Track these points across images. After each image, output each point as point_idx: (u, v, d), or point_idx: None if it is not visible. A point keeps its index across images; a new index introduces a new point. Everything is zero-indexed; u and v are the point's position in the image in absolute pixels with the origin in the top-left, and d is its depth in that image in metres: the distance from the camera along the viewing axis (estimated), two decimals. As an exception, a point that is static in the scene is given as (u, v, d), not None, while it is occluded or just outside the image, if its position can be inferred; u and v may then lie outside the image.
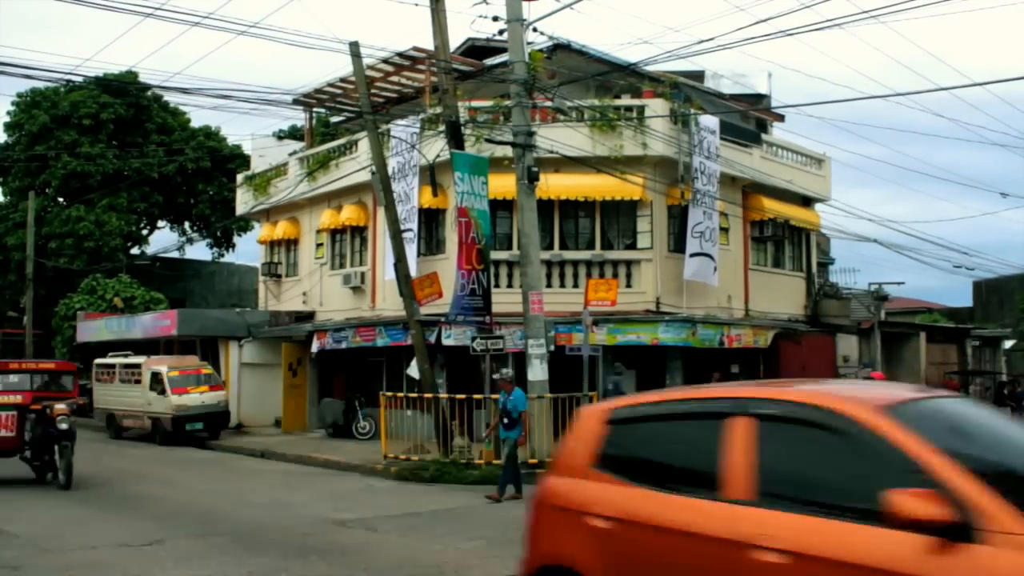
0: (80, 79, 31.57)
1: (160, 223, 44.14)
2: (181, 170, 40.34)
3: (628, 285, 22.27)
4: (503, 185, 19.45)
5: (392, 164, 22.19)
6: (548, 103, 20.63)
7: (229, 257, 45.94)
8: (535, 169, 17.31)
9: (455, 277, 18.06)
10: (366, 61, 20.19)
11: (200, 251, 58.03)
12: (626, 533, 5.28)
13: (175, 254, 41.65)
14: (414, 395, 18.56)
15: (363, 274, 25.71)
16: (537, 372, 17.21)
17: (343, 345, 24.36)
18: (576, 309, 19.70)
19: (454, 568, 9.23)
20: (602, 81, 23.20)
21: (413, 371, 18.87)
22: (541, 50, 21.47)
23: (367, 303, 25.54)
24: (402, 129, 22.66)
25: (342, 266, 26.80)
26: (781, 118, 29.77)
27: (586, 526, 5.50)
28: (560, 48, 23.11)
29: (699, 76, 28.02)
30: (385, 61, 23.92)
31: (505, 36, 17.97)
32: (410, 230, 21.90)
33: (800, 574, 4.44)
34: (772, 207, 25.37)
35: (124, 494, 14.72)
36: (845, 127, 73.76)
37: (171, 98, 36.78)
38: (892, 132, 54.96)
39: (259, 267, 31.57)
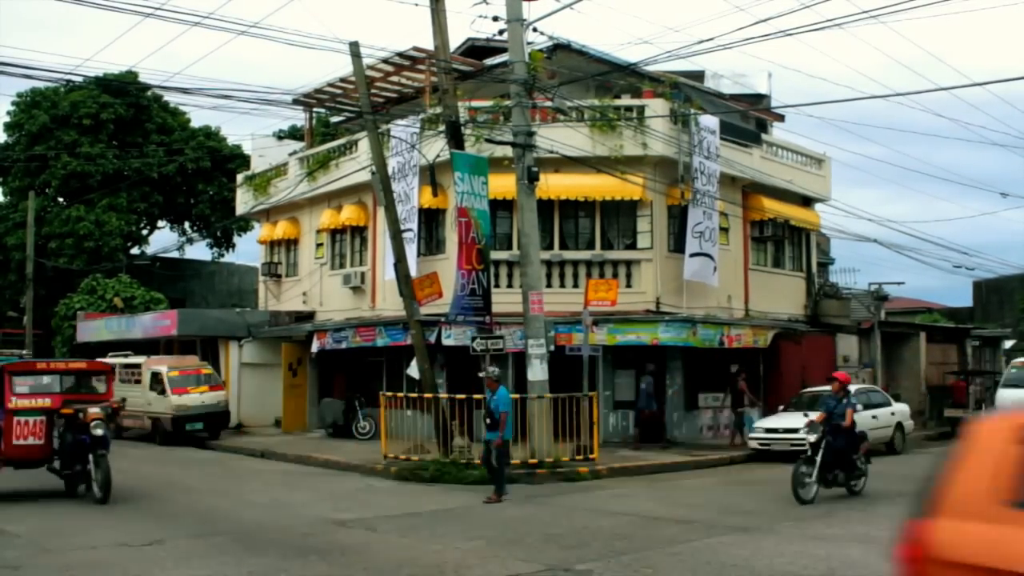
0: (80, 79, 31.56)
1: (160, 223, 44.15)
2: (181, 170, 40.34)
3: (628, 285, 22.27)
4: (503, 185, 19.45)
5: (392, 164, 22.19)
6: (548, 103, 20.64)
7: (229, 257, 45.99)
8: (535, 169, 17.32)
9: (455, 277, 18.06)
10: (366, 61, 20.19)
11: (200, 251, 58.05)
12: None
13: (175, 254, 41.66)
14: (414, 395, 18.56)
15: (363, 274, 25.71)
16: (537, 372, 17.21)
17: (343, 345, 24.36)
18: (576, 309, 19.70)
19: (454, 568, 9.23)
20: (602, 81, 23.21)
21: (413, 371, 18.87)
22: (541, 50, 21.47)
23: (367, 303, 25.54)
24: (402, 129, 22.66)
25: (342, 266, 26.80)
26: (781, 118, 29.77)
27: None
28: (560, 48, 23.11)
29: (699, 76, 28.02)
30: (385, 61, 23.92)
31: (505, 36, 17.98)
32: (410, 230, 21.90)
33: None
34: (772, 207, 25.37)
35: (124, 494, 14.66)
36: (845, 127, 73.80)
37: (171, 98, 36.80)
38: (892, 132, 54.98)
39: (259, 267, 31.58)
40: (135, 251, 42.13)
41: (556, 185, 21.03)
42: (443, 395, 18.37)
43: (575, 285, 22.07)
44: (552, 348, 18.76)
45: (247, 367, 27.87)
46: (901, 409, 22.67)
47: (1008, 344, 35.23)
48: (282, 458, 20.54)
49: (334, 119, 33.33)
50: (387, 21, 66.54)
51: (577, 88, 21.75)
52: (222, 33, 72.39)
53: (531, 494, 14.83)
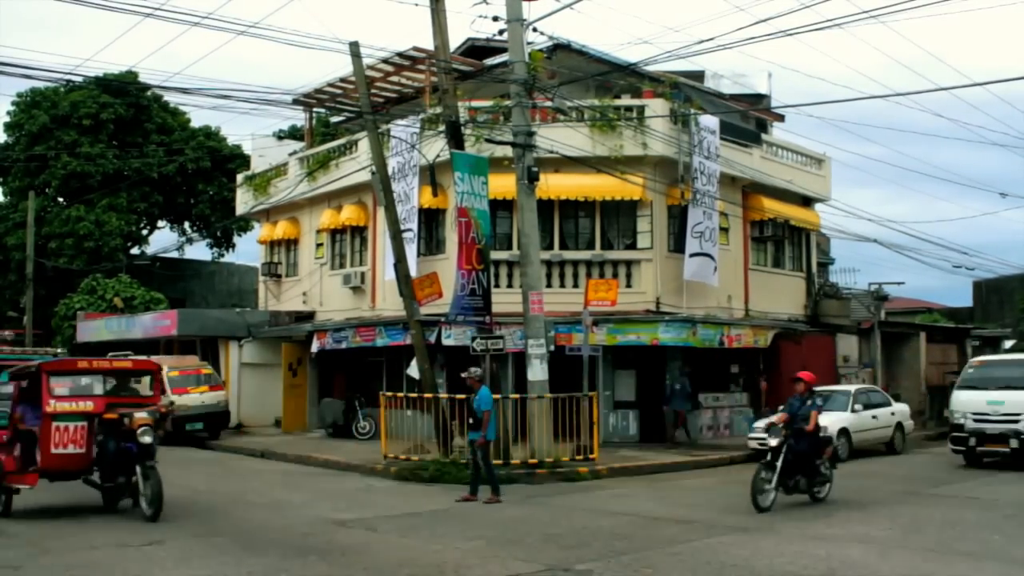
0: (80, 79, 31.50)
1: (160, 223, 44.14)
2: (181, 170, 40.34)
3: (628, 285, 22.28)
4: (503, 185, 19.46)
5: (392, 164, 22.20)
6: (548, 103, 20.64)
7: (229, 257, 45.98)
8: (535, 169, 17.32)
9: (455, 277, 18.06)
10: (366, 61, 20.19)
11: (200, 251, 58.02)
12: None
13: (175, 254, 41.65)
14: (414, 395, 18.56)
15: (363, 274, 25.71)
16: (537, 372, 17.21)
17: (343, 345, 24.37)
18: (576, 309, 19.71)
19: (454, 568, 9.23)
20: (602, 81, 23.21)
21: (413, 371, 18.87)
22: (541, 50, 21.48)
23: (367, 303, 25.55)
24: (402, 129, 22.66)
25: (342, 266, 26.81)
26: (781, 118, 29.77)
27: None
28: (560, 48, 23.11)
29: (699, 76, 28.03)
30: (385, 61, 23.93)
31: (505, 36, 17.98)
32: (410, 230, 21.91)
33: None
34: (772, 207, 25.38)
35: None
36: (845, 127, 73.80)
37: (171, 98, 36.78)
38: (892, 132, 54.94)
39: (259, 267, 31.58)
40: (135, 251, 42.12)
41: (556, 185, 21.04)
42: (443, 395, 18.37)
43: (575, 285, 22.07)
44: (552, 348, 18.76)
45: (247, 367, 27.87)
46: (901, 409, 22.67)
47: (1008, 344, 35.19)
48: (282, 458, 20.54)
49: (334, 119, 33.34)
50: (387, 21, 66.60)
51: (577, 88, 21.76)
52: (222, 33, 72.36)
53: (531, 494, 14.83)
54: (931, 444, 24.31)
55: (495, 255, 20.21)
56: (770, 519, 12.12)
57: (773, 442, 13.07)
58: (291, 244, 29.14)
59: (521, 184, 17.40)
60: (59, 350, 20.65)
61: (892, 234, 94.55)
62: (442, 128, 19.40)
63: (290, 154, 29.56)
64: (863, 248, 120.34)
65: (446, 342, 20.87)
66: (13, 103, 39.64)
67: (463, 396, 17.68)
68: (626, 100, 23.17)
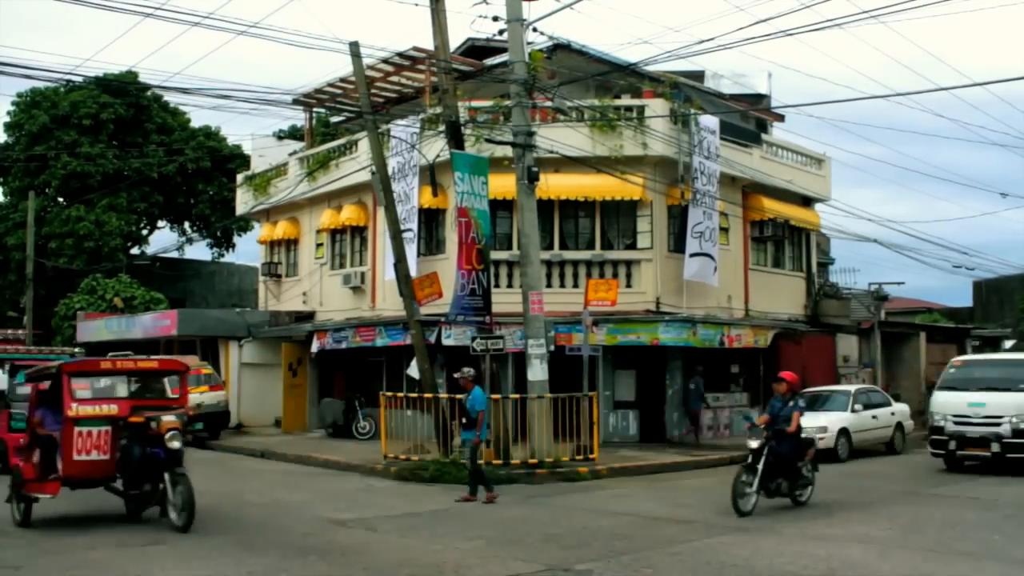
0: (80, 79, 31.51)
1: (160, 223, 44.16)
2: (181, 170, 40.35)
3: (628, 285, 22.28)
4: (503, 185, 19.46)
5: (392, 164, 22.20)
6: (548, 103, 20.65)
7: (229, 257, 46.00)
8: (535, 169, 17.32)
9: (455, 277, 18.05)
10: (366, 61, 20.19)
11: (200, 251, 58.00)
12: None
13: (175, 254, 41.66)
14: (414, 395, 18.56)
15: (363, 274, 25.72)
16: (537, 372, 17.21)
17: (343, 345, 24.37)
18: (576, 309, 19.71)
19: (454, 568, 9.23)
20: (602, 81, 23.22)
21: (413, 371, 18.87)
22: (541, 50, 21.48)
23: (367, 303, 25.55)
24: (402, 129, 22.67)
25: (342, 266, 26.81)
26: (781, 118, 29.77)
27: None
28: (560, 48, 23.12)
29: (699, 76, 28.04)
30: (385, 61, 23.93)
31: (505, 36, 17.98)
32: (410, 230, 21.91)
33: None
34: (772, 207, 25.38)
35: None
36: (845, 127, 73.80)
37: (171, 98, 36.80)
38: (892, 132, 54.94)
39: (259, 267, 31.59)
40: (135, 251, 42.14)
41: (556, 185, 21.04)
42: (443, 395, 18.37)
43: (575, 285, 22.08)
44: (552, 348, 18.77)
45: (247, 367, 27.88)
46: (901, 409, 22.68)
47: (1008, 344, 35.18)
48: (282, 458, 20.54)
49: (334, 119, 33.34)
50: (387, 21, 66.58)
51: (577, 88, 21.76)
52: (222, 33, 72.38)
53: (531, 494, 14.83)
54: (931, 444, 24.30)
55: (495, 255, 20.21)
56: (770, 519, 12.12)
57: (754, 444, 12.77)
58: (291, 244, 29.14)
59: (521, 184, 17.40)
60: (76, 350, 19.97)
61: (892, 234, 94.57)
62: (442, 128, 19.40)
63: (290, 154, 29.57)
64: (863, 248, 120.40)
65: (446, 342, 20.87)
66: (13, 103, 39.68)
67: (463, 396, 17.68)
68: (626, 100, 23.17)
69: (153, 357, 16.52)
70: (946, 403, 17.59)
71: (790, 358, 25.38)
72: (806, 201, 27.57)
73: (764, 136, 27.10)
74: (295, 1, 22.77)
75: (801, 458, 13.21)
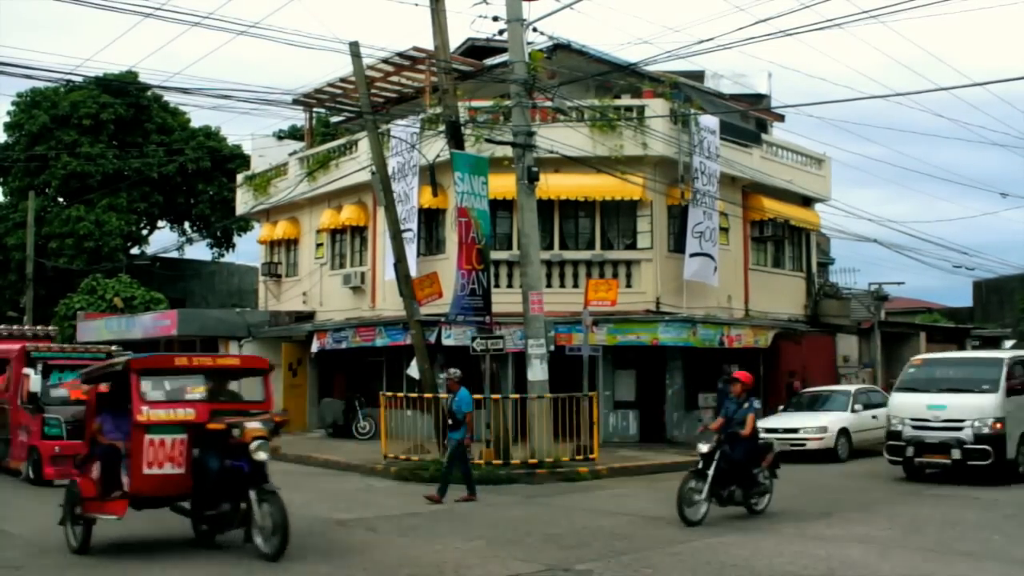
0: (80, 79, 31.53)
1: (160, 223, 44.16)
2: (181, 170, 40.35)
3: (628, 285, 22.28)
4: (503, 185, 19.46)
5: (392, 164, 22.20)
6: (548, 103, 20.65)
7: (229, 257, 45.99)
8: (535, 169, 17.32)
9: (455, 277, 18.06)
10: (366, 61, 20.19)
11: (200, 251, 57.95)
12: None
13: (175, 254, 41.66)
14: (414, 395, 18.56)
15: (363, 274, 25.72)
16: (537, 372, 17.21)
17: (343, 345, 24.37)
18: (576, 309, 19.71)
19: (454, 568, 9.23)
20: (602, 81, 23.22)
21: (413, 371, 18.88)
22: (541, 50, 21.48)
23: (367, 303, 25.55)
24: (402, 129, 22.67)
25: (342, 266, 26.81)
26: (781, 118, 29.78)
27: None
28: (560, 48, 23.12)
29: (699, 76, 28.05)
30: (385, 61, 23.93)
31: (505, 36, 17.98)
32: (410, 230, 21.91)
33: None
34: (772, 207, 25.39)
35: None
36: (845, 127, 73.82)
37: (171, 98, 36.79)
38: (892, 132, 54.98)
39: (259, 267, 31.59)
40: (135, 251, 42.14)
41: (556, 185, 21.04)
42: (443, 395, 18.33)
43: (575, 285, 22.08)
44: (552, 348, 18.76)
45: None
46: (901, 409, 22.59)
47: (1008, 344, 35.19)
48: (282, 458, 20.43)
49: (334, 119, 33.34)
50: (387, 21, 66.59)
51: (577, 88, 21.76)
52: (222, 33, 72.37)
53: (531, 494, 14.83)
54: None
55: (495, 255, 20.21)
56: (769, 519, 12.11)
57: (703, 448, 11.88)
58: (291, 244, 29.14)
59: (521, 184, 17.40)
60: (113, 348, 18.77)
61: (892, 234, 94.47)
62: (442, 128, 19.40)
63: (290, 154, 29.57)
64: (863, 248, 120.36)
65: (446, 342, 20.87)
66: (13, 103, 39.68)
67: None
68: (626, 100, 23.18)
69: (232, 353, 14.35)
70: (904, 406, 16.27)
71: (790, 358, 25.42)
72: (806, 201, 27.57)
73: (764, 136, 27.11)
74: (295, 1, 22.79)
75: (757, 464, 12.35)
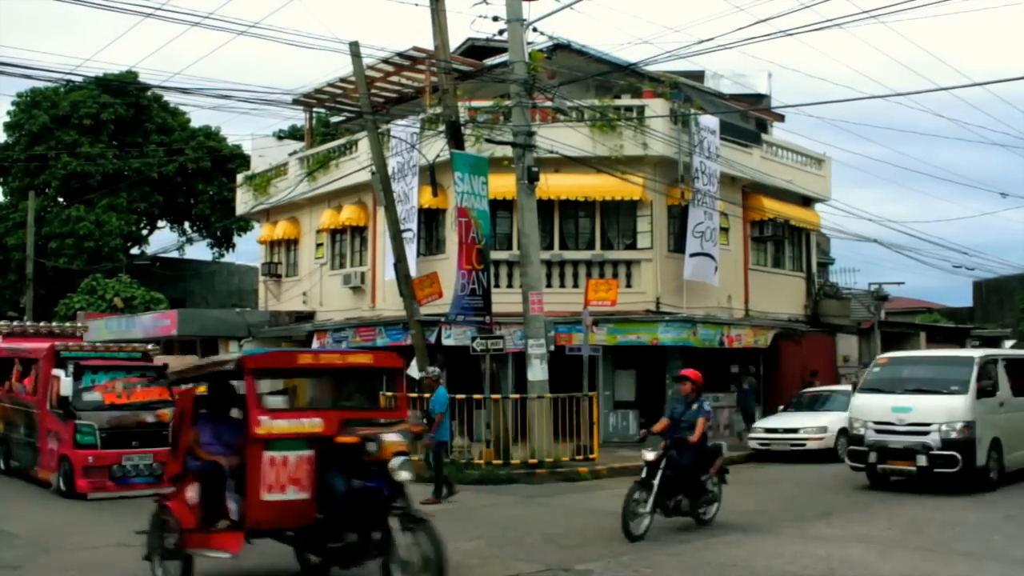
0: (80, 79, 31.56)
1: (160, 223, 44.18)
2: (181, 170, 40.37)
3: (628, 285, 22.28)
4: (503, 185, 19.46)
5: (392, 164, 22.20)
6: (548, 103, 20.65)
7: (229, 257, 46.01)
8: (535, 169, 17.32)
9: (455, 277, 18.06)
10: (366, 61, 20.19)
11: (200, 251, 57.96)
12: None
13: (175, 254, 41.69)
14: (414, 395, 18.55)
15: (363, 274, 25.72)
16: (537, 372, 17.22)
17: (343, 345, 24.35)
18: (576, 309, 19.71)
19: (454, 568, 9.19)
20: (602, 81, 23.22)
21: (413, 371, 18.86)
22: (541, 50, 21.49)
23: (367, 303, 25.55)
24: (402, 129, 22.67)
25: (342, 266, 26.81)
26: (781, 118, 29.78)
27: None
28: (560, 48, 23.12)
29: (699, 76, 28.04)
30: (385, 61, 23.93)
31: (505, 36, 17.99)
32: (410, 230, 21.91)
33: None
34: (772, 207, 25.39)
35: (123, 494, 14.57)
36: (845, 127, 73.85)
37: (171, 98, 36.79)
38: (892, 132, 55.02)
39: (259, 267, 31.59)
40: (135, 251, 42.16)
41: (556, 185, 21.04)
42: (427, 395, 18.36)
43: (575, 285, 22.08)
44: (552, 348, 18.76)
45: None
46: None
47: (1008, 344, 35.20)
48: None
49: (334, 119, 33.34)
50: (387, 21, 66.58)
51: (577, 88, 21.76)
52: (222, 33, 72.39)
53: (531, 494, 14.83)
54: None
55: (495, 255, 20.21)
56: (770, 519, 12.11)
57: (649, 456, 10.96)
58: (291, 244, 29.14)
59: (521, 184, 17.41)
60: (150, 346, 17.37)
61: (892, 234, 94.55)
62: (442, 128, 19.41)
63: (290, 154, 29.57)
64: (863, 248, 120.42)
65: (446, 342, 20.87)
66: (13, 103, 39.71)
67: (463, 396, 17.71)
68: (626, 100, 23.18)
69: (365, 351, 11.97)
70: (867, 408, 15.09)
71: (790, 358, 25.41)
72: (806, 201, 27.57)
73: (764, 136, 27.11)
74: (295, 1, 22.79)
75: (706, 471, 11.39)
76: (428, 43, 20.13)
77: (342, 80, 25.45)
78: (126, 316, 32.27)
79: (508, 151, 18.04)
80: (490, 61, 24.49)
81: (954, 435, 14.06)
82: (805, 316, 27.28)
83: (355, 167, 24.49)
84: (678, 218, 23.20)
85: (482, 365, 17.81)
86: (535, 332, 17.31)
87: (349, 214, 25.76)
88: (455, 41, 23.69)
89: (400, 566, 7.46)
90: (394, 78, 25.84)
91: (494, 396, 17.59)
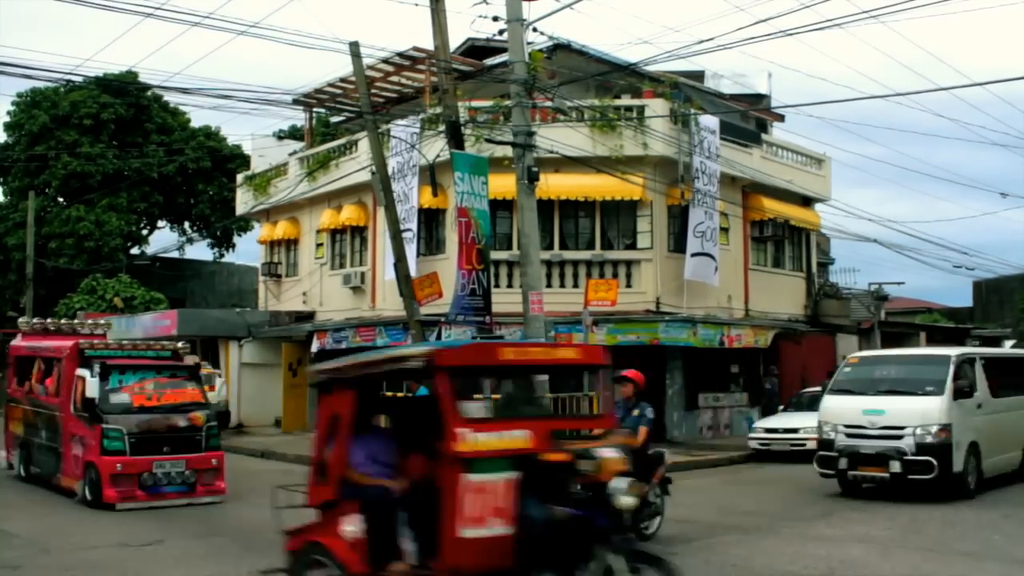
0: (80, 79, 31.56)
1: (160, 223, 44.18)
2: (181, 170, 40.37)
3: (628, 285, 22.28)
4: (503, 185, 19.45)
5: (392, 164, 22.20)
6: (548, 103, 20.64)
7: (229, 257, 46.01)
8: (535, 169, 17.29)
9: (455, 277, 18.05)
10: (366, 61, 20.19)
11: (200, 251, 58.00)
12: None
13: (175, 254, 41.69)
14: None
15: (363, 274, 25.72)
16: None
17: (343, 345, 24.38)
18: (576, 309, 19.70)
19: (454, 568, 9.21)
20: (602, 81, 23.22)
21: (413, 371, 18.84)
22: (541, 50, 21.48)
23: (367, 303, 25.55)
24: (402, 129, 22.67)
25: (342, 266, 26.82)
26: (781, 118, 29.78)
27: None
28: (560, 48, 23.12)
29: (699, 76, 28.04)
30: (385, 61, 23.93)
31: (505, 36, 17.95)
32: (410, 230, 21.92)
33: None
34: (772, 207, 25.39)
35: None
36: (845, 127, 73.86)
37: (171, 98, 36.75)
38: (892, 132, 55.06)
39: (259, 267, 31.60)
40: (135, 251, 42.16)
41: (556, 185, 21.03)
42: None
43: (575, 285, 22.08)
44: (552, 348, 18.74)
45: (247, 367, 27.88)
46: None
47: (1008, 344, 35.20)
48: (282, 458, 20.54)
49: (334, 119, 33.35)
50: (387, 21, 66.58)
51: (577, 88, 21.76)
52: (222, 33, 72.40)
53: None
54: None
55: (495, 255, 20.21)
56: (769, 519, 12.11)
57: None
58: (291, 244, 29.15)
59: (521, 184, 17.37)
60: (180, 344, 16.10)
61: (892, 234, 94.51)
62: (442, 128, 19.39)
63: (290, 154, 29.58)
64: (863, 248, 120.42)
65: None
66: (13, 103, 39.71)
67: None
68: (626, 100, 23.18)
69: (572, 344, 10.48)
70: (837, 410, 14.20)
71: (790, 358, 25.42)
72: (806, 201, 27.57)
73: (764, 136, 27.11)
74: (295, 1, 22.79)
75: (647, 480, 10.01)
76: (428, 43, 20.13)
77: (342, 80, 25.45)
78: (126, 316, 32.28)
79: (508, 151, 18.01)
80: (490, 61, 24.50)
81: (929, 439, 13.37)
82: (805, 316, 27.28)
83: (355, 167, 24.49)
84: (678, 218, 23.20)
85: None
86: (535, 332, 17.27)
87: (349, 214, 25.76)
88: (455, 41, 23.71)
89: None
90: (394, 78, 25.85)
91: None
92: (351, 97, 26.14)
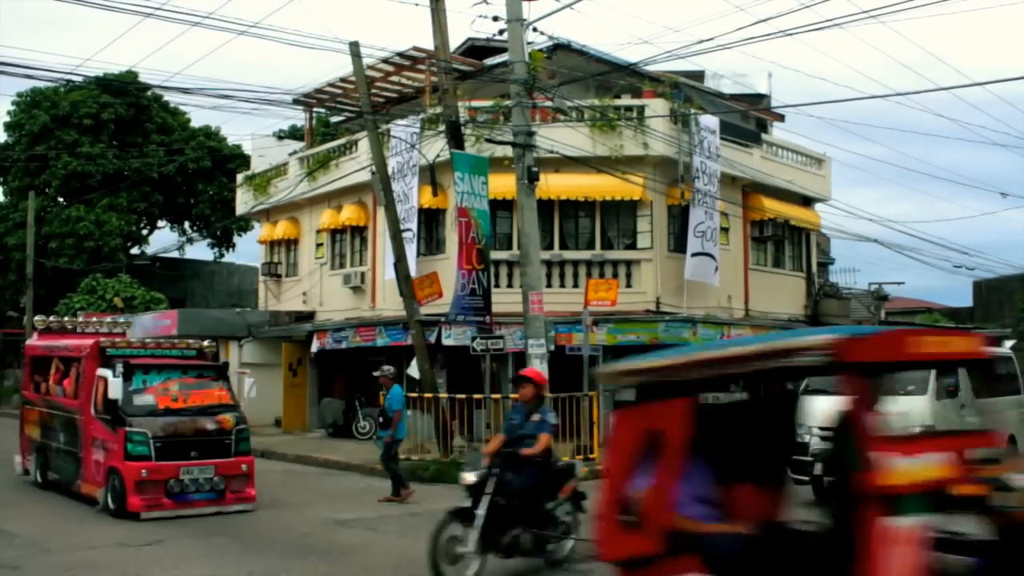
0: (80, 79, 31.54)
1: (160, 223, 44.18)
2: (181, 170, 40.37)
3: (628, 285, 22.29)
4: (503, 185, 19.46)
5: (392, 164, 22.20)
6: (548, 103, 20.64)
7: (229, 257, 46.00)
8: (535, 169, 17.31)
9: (455, 277, 18.07)
10: (366, 61, 20.20)
11: (200, 251, 58.05)
12: None
13: (175, 254, 41.69)
14: (414, 395, 18.55)
15: (363, 274, 25.72)
16: (537, 372, 17.20)
17: (343, 345, 24.38)
18: (576, 309, 19.71)
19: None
20: (602, 81, 23.22)
21: (413, 371, 18.88)
22: (541, 50, 21.49)
23: (367, 303, 25.55)
24: (402, 129, 22.67)
25: (342, 266, 26.82)
26: (781, 118, 29.78)
27: None
28: (560, 48, 23.12)
29: (699, 76, 28.05)
30: (385, 61, 23.93)
31: (505, 36, 17.97)
32: (410, 230, 21.91)
33: None
34: (772, 207, 25.39)
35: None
36: (845, 127, 73.79)
37: (171, 98, 36.78)
38: (892, 132, 55.02)
39: (259, 267, 31.60)
40: (135, 251, 42.16)
41: (556, 185, 21.04)
42: (443, 395, 18.38)
43: (575, 285, 22.08)
44: (552, 348, 18.76)
45: (247, 367, 27.85)
46: (901, 409, 22.50)
47: (1008, 344, 35.21)
48: (282, 458, 20.55)
49: (334, 119, 33.35)
50: (387, 21, 66.54)
51: (577, 88, 21.76)
52: (222, 33, 72.43)
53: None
54: (931, 444, 24.29)
55: (495, 255, 20.21)
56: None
57: (469, 478, 8.55)
58: (291, 244, 29.15)
59: (521, 184, 17.39)
60: (206, 343, 15.35)
61: (892, 234, 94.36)
62: (442, 128, 19.41)
63: (290, 154, 29.58)
64: (863, 248, 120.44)
65: (446, 342, 20.87)
66: (13, 103, 39.69)
67: (463, 396, 17.72)
68: (626, 100, 23.18)
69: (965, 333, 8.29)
70: (812, 411, 12.07)
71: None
72: (806, 201, 27.57)
73: (764, 136, 27.12)
74: (295, 1, 22.79)
75: (553, 496, 8.99)
76: (428, 43, 20.14)
77: (342, 80, 25.45)
78: (126, 316, 32.28)
79: (508, 151, 18.02)
80: (490, 61, 24.50)
81: None
82: (805, 316, 27.28)
83: (355, 167, 24.49)
84: (678, 218, 23.20)
85: (482, 365, 17.80)
86: (535, 332, 17.30)
87: (349, 214, 25.76)
88: (455, 41, 23.70)
89: None
90: (394, 78, 25.84)
91: (494, 396, 17.59)
92: (351, 97, 26.14)
